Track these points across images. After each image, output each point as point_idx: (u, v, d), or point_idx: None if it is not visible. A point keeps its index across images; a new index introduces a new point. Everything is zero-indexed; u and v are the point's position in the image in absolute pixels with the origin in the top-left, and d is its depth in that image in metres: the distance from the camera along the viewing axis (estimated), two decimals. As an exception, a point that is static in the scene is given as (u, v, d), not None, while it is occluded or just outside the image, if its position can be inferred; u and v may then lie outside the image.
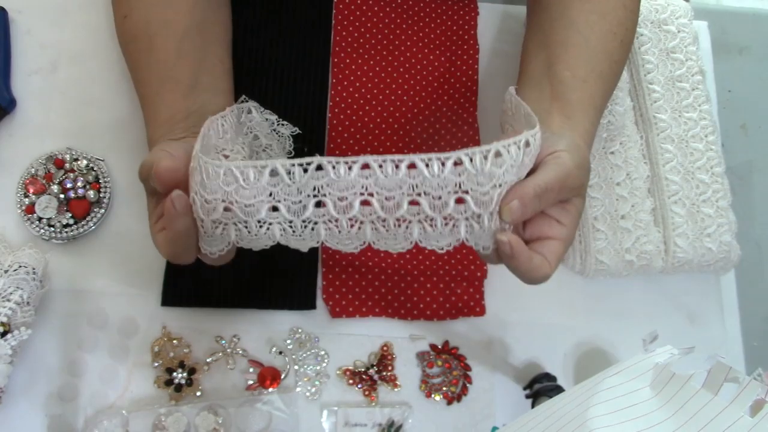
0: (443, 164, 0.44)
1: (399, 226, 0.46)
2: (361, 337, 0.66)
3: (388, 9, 0.75)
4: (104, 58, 0.70)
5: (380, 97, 0.72)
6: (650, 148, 0.69)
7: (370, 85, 0.73)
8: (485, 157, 0.44)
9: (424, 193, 0.45)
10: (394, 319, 0.67)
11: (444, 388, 0.65)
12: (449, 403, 0.65)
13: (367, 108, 0.72)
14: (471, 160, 0.44)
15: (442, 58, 0.75)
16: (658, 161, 0.69)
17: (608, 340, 0.69)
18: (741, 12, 0.85)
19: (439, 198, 0.45)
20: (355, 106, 0.72)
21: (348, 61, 0.73)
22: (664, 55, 0.72)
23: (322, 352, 0.65)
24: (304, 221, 0.45)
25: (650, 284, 0.70)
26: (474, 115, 0.73)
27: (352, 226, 0.46)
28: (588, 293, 0.70)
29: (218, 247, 0.49)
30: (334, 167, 0.44)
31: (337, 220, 0.45)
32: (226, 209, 0.45)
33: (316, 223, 0.46)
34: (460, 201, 0.45)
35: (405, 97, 0.72)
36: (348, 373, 0.65)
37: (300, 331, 0.65)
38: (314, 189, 0.44)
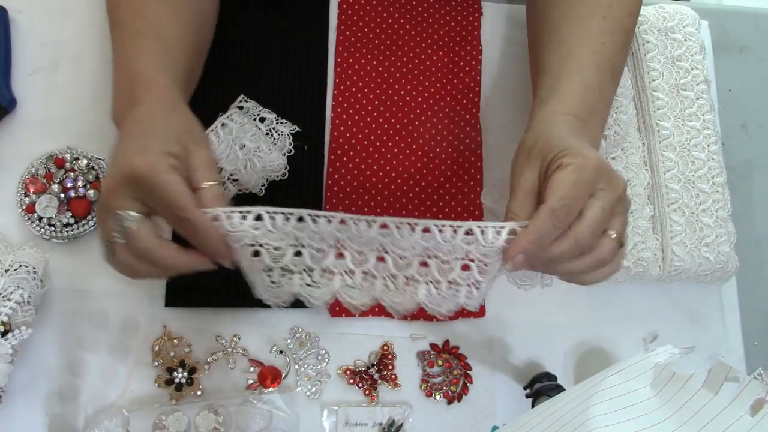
0: (455, 232, 0.47)
1: (408, 284, 0.49)
2: (361, 336, 0.66)
3: (391, 9, 0.75)
4: (104, 57, 0.70)
5: (383, 97, 0.72)
6: (652, 155, 0.69)
7: (372, 85, 0.73)
8: (498, 233, 0.46)
9: (435, 256, 0.48)
10: (394, 318, 0.67)
11: (444, 388, 0.65)
12: (450, 402, 0.65)
13: (369, 108, 0.72)
14: (482, 232, 0.46)
15: (445, 59, 0.75)
16: (659, 168, 0.68)
17: (608, 339, 0.69)
18: (741, 12, 0.85)
19: (447, 263, 0.48)
20: (357, 106, 0.72)
21: (351, 61, 0.73)
22: (670, 63, 0.72)
23: (323, 352, 0.65)
24: (323, 269, 0.49)
25: (650, 284, 0.70)
26: (476, 115, 0.73)
27: (365, 279, 0.49)
28: (588, 293, 0.69)
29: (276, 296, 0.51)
30: (356, 224, 0.47)
31: (352, 272, 0.49)
32: (255, 254, 0.48)
33: (333, 273, 0.49)
34: (465, 268, 0.48)
35: (408, 98, 0.72)
36: (348, 372, 0.65)
37: (300, 330, 0.65)
38: (336, 240, 0.48)
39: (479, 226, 0.47)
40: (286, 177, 0.66)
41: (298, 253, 0.48)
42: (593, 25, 0.58)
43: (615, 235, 0.49)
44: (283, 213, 0.47)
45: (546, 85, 0.57)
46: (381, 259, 0.48)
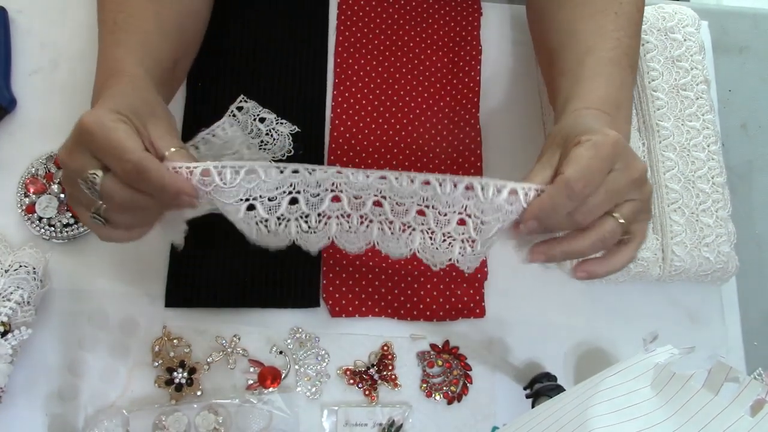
0: (455, 185, 0.47)
1: (404, 231, 0.49)
2: (361, 336, 0.66)
3: (391, 10, 0.76)
4: (104, 57, 0.70)
5: (382, 97, 0.72)
6: (651, 155, 0.69)
7: (372, 85, 0.73)
8: (498, 191, 0.46)
9: (432, 207, 0.48)
10: (393, 319, 0.67)
11: (444, 388, 0.65)
12: (449, 402, 0.65)
13: (369, 108, 0.72)
14: (483, 188, 0.46)
15: (445, 59, 0.75)
16: (659, 169, 0.68)
17: (608, 340, 0.69)
18: (741, 12, 0.85)
19: (444, 215, 0.48)
20: (357, 107, 0.72)
21: (351, 61, 0.73)
22: (670, 63, 0.72)
23: (323, 352, 0.65)
24: (319, 215, 0.48)
25: (651, 284, 0.70)
26: (476, 116, 0.73)
27: (361, 223, 0.48)
28: (588, 293, 0.70)
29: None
30: (353, 174, 0.47)
31: (349, 216, 0.48)
32: (250, 208, 0.47)
33: (329, 217, 0.48)
34: (461, 222, 0.48)
35: (407, 98, 0.73)
36: (348, 372, 0.65)
37: (300, 330, 0.65)
38: (333, 185, 0.48)
39: (480, 182, 0.47)
40: (291, 153, 0.67)
41: (293, 201, 0.48)
42: (607, 22, 0.58)
43: (622, 220, 0.47)
44: (277, 167, 0.47)
45: (567, 86, 0.57)
46: (378, 204, 0.48)
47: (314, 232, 0.48)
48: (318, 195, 0.48)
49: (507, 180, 0.47)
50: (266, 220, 0.47)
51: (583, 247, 0.48)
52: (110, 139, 0.44)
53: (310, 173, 0.47)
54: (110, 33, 0.55)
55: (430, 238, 0.48)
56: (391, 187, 0.47)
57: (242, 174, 0.46)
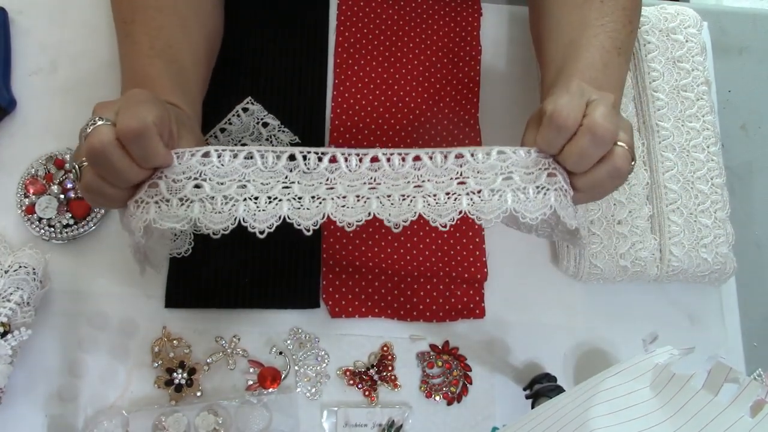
0: (446, 157, 0.48)
1: (404, 199, 0.48)
2: (361, 337, 0.66)
3: (391, 10, 0.76)
4: (104, 58, 0.70)
5: (382, 97, 0.72)
6: (651, 156, 0.69)
7: (372, 85, 0.73)
8: (488, 154, 0.47)
9: (428, 179, 0.48)
10: (393, 319, 0.67)
11: (444, 389, 0.65)
12: (449, 403, 0.65)
13: (369, 109, 0.72)
14: (473, 155, 0.48)
15: (445, 60, 0.75)
16: (658, 169, 0.68)
17: (608, 340, 0.69)
18: (741, 12, 0.85)
19: (442, 182, 0.48)
20: (357, 107, 0.72)
21: (350, 61, 0.73)
22: (671, 63, 0.72)
23: (322, 353, 0.65)
24: (313, 197, 0.47)
25: (650, 285, 0.70)
26: (475, 116, 0.73)
27: (357, 201, 0.48)
28: (588, 294, 0.70)
29: (222, 225, 0.47)
30: (346, 159, 0.47)
31: (344, 197, 0.48)
32: (241, 186, 0.47)
33: (324, 199, 0.48)
34: (461, 183, 0.48)
35: (407, 98, 0.73)
36: (348, 373, 0.65)
37: (300, 331, 0.65)
38: (327, 180, 0.48)
39: (469, 150, 0.48)
40: None
41: (286, 187, 0.47)
42: (590, 11, 0.59)
43: (626, 146, 0.48)
44: (273, 152, 0.47)
45: (551, 74, 0.59)
46: (373, 188, 0.48)
47: (307, 209, 0.47)
48: (312, 185, 0.48)
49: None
50: (256, 198, 0.47)
51: (602, 176, 0.49)
52: (140, 102, 0.45)
53: (305, 158, 0.47)
54: (148, 57, 0.55)
55: (434, 198, 0.48)
56: (384, 172, 0.48)
57: (240, 158, 0.47)
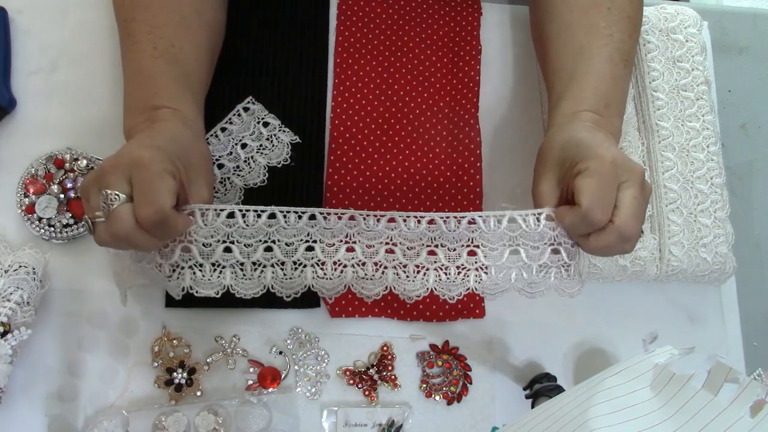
0: (459, 222, 0.51)
1: (418, 272, 0.52)
2: (361, 337, 0.66)
3: (391, 10, 0.75)
4: (104, 58, 0.70)
5: (382, 97, 0.72)
6: (651, 155, 0.69)
7: (372, 85, 0.73)
8: (499, 221, 0.51)
9: (441, 245, 0.52)
10: (393, 319, 0.67)
11: (444, 388, 0.65)
12: (449, 403, 0.65)
13: (369, 108, 0.72)
14: (484, 221, 0.51)
15: (445, 59, 0.75)
16: (658, 168, 0.68)
17: (608, 340, 0.69)
18: (741, 12, 0.85)
19: (454, 250, 0.52)
20: (357, 107, 0.72)
21: (350, 61, 0.73)
22: (671, 63, 0.72)
23: (322, 352, 0.65)
24: (335, 263, 0.51)
25: (650, 284, 0.70)
26: (475, 116, 0.73)
27: (376, 270, 0.52)
28: (588, 293, 0.69)
29: (253, 290, 0.52)
30: (365, 219, 0.51)
31: (363, 264, 0.52)
32: (267, 249, 0.51)
33: (345, 266, 0.52)
34: (471, 254, 0.52)
35: (407, 98, 0.73)
36: (348, 373, 0.65)
37: (300, 331, 0.65)
38: (346, 236, 0.52)
39: (481, 216, 0.51)
40: (288, 162, 0.68)
41: (310, 248, 0.51)
42: (599, 18, 0.60)
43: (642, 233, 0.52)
44: (296, 212, 0.51)
45: (560, 83, 0.60)
46: (390, 251, 0.52)
47: (330, 279, 0.51)
48: (333, 245, 0.51)
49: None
50: (283, 264, 0.51)
51: (613, 252, 0.52)
52: (154, 184, 0.46)
53: (326, 218, 0.51)
54: (151, 57, 0.56)
55: (445, 274, 0.52)
56: (401, 231, 0.51)
57: (264, 218, 0.50)
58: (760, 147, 0.80)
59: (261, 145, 0.67)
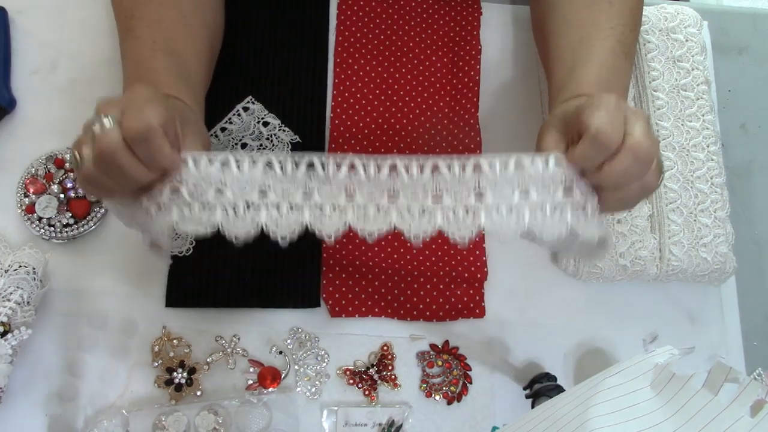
0: (464, 168, 0.47)
1: (423, 213, 0.48)
2: (361, 336, 0.66)
3: (391, 10, 0.75)
4: (104, 57, 0.70)
5: (382, 97, 0.72)
6: (651, 155, 0.69)
7: (372, 85, 0.73)
8: (505, 166, 0.47)
9: (446, 190, 0.48)
10: (393, 319, 0.67)
11: (444, 388, 0.65)
12: (449, 403, 0.65)
13: (369, 108, 0.72)
14: (490, 165, 0.47)
15: (445, 59, 0.75)
16: (658, 168, 0.68)
17: (608, 340, 0.69)
18: (741, 12, 0.85)
19: (460, 194, 0.48)
20: (357, 107, 0.72)
21: (350, 61, 0.73)
22: (671, 63, 0.72)
23: (322, 352, 0.65)
24: (334, 206, 0.48)
25: (650, 284, 0.70)
26: (475, 116, 0.73)
27: (378, 212, 0.48)
28: (588, 293, 0.70)
29: (245, 230, 0.48)
30: (365, 167, 0.47)
31: (365, 206, 0.48)
32: (262, 193, 0.47)
33: (345, 209, 0.48)
34: (479, 196, 0.48)
35: (407, 98, 0.73)
36: (348, 372, 0.65)
37: (300, 330, 0.65)
38: (346, 188, 0.48)
39: (486, 159, 0.47)
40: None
41: (306, 194, 0.48)
42: (600, 13, 0.59)
43: (656, 161, 0.48)
44: (293, 160, 0.47)
45: (561, 73, 0.59)
46: (392, 198, 0.49)
47: (329, 218, 0.48)
48: (332, 193, 0.48)
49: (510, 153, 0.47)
50: (278, 205, 0.48)
51: (633, 195, 0.49)
52: (144, 103, 0.44)
53: (324, 167, 0.47)
54: (150, 50, 0.55)
55: (453, 213, 0.48)
56: (402, 181, 0.48)
57: (260, 166, 0.47)
58: (760, 147, 0.80)
59: (261, 145, 0.67)
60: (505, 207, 0.48)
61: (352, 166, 0.48)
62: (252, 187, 0.47)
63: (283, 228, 0.48)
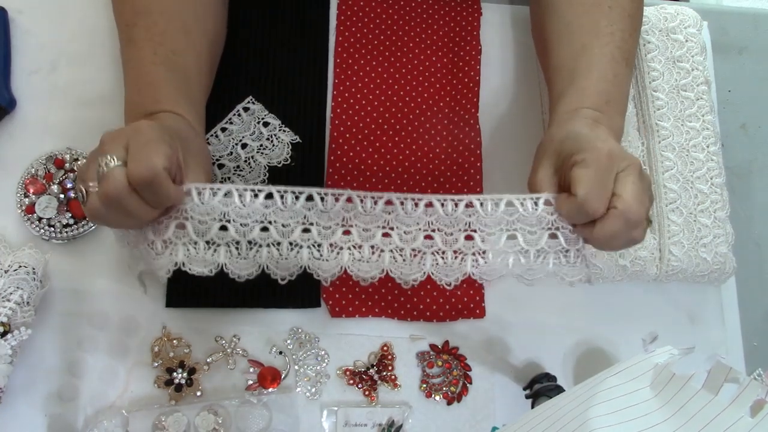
0: (456, 205, 0.50)
1: (415, 256, 0.51)
2: (361, 337, 0.66)
3: (391, 10, 0.76)
4: (104, 58, 0.70)
5: (382, 97, 0.72)
6: (651, 155, 0.69)
7: (372, 85, 0.73)
8: (496, 205, 0.50)
9: (438, 229, 0.51)
10: (393, 319, 0.67)
11: (444, 388, 0.65)
12: (449, 403, 0.65)
13: (369, 108, 0.72)
14: (482, 205, 0.50)
15: (445, 59, 0.75)
16: (658, 168, 0.68)
17: (608, 340, 0.69)
18: (741, 12, 0.85)
19: (451, 234, 0.51)
20: (357, 107, 0.72)
21: (350, 61, 0.73)
22: (671, 63, 0.72)
23: (322, 352, 0.65)
24: (331, 245, 0.51)
25: (650, 285, 0.70)
26: (475, 116, 0.73)
27: (372, 253, 0.51)
28: (588, 293, 0.70)
29: (247, 271, 0.51)
30: (362, 201, 0.50)
31: (360, 247, 0.51)
32: (263, 229, 0.50)
33: (341, 248, 0.51)
34: (468, 238, 0.51)
35: (407, 98, 0.73)
36: (348, 373, 0.65)
37: (300, 331, 0.65)
38: (343, 219, 0.51)
39: (478, 199, 0.50)
40: (288, 162, 0.68)
41: (306, 230, 0.50)
42: (601, 17, 0.60)
43: (648, 221, 0.50)
44: (293, 192, 0.50)
45: (562, 81, 0.60)
46: (387, 235, 0.51)
47: (326, 261, 0.51)
48: (330, 228, 0.51)
49: (502, 193, 0.50)
50: (279, 244, 0.50)
51: (620, 244, 0.51)
52: (149, 146, 0.46)
53: (323, 199, 0.50)
54: (151, 64, 0.56)
55: (442, 258, 0.51)
56: (398, 215, 0.50)
57: (261, 198, 0.49)
58: (760, 147, 0.80)
59: (261, 145, 0.67)
60: (491, 253, 0.51)
61: (349, 200, 0.51)
62: (254, 222, 0.49)
63: (283, 269, 0.51)
